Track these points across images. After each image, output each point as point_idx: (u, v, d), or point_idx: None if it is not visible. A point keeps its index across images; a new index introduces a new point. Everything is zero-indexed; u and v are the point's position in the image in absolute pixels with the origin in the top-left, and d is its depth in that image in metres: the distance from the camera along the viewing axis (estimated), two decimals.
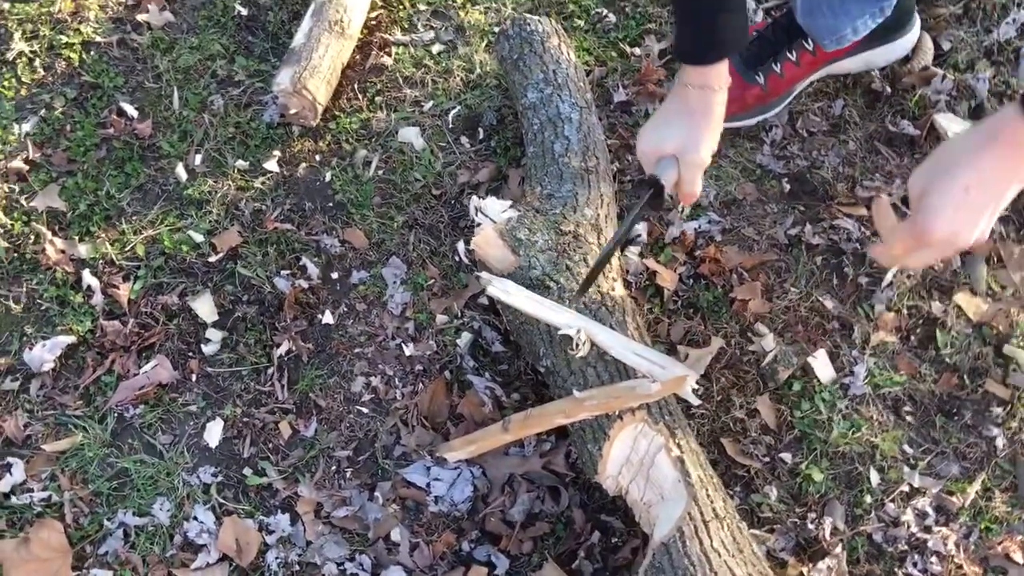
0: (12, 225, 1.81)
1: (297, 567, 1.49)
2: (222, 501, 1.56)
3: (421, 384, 1.63)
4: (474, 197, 1.58)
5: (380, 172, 1.84)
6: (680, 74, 1.24)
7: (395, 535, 1.51)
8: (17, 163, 1.87)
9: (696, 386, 1.40)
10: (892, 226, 1.10)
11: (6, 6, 2.08)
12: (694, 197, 1.31)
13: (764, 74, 1.76)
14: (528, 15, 1.79)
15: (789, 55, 1.75)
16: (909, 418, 1.56)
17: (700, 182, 1.28)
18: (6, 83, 1.98)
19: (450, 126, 1.88)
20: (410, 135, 1.87)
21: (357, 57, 1.98)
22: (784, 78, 1.78)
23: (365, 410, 1.62)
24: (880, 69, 1.84)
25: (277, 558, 1.51)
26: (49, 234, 1.79)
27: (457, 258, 1.73)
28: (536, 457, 1.54)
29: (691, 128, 1.23)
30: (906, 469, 1.51)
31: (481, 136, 1.87)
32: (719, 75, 1.21)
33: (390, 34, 2.01)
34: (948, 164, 1.01)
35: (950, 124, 1.78)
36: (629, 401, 1.32)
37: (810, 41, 1.73)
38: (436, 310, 1.69)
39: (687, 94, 1.22)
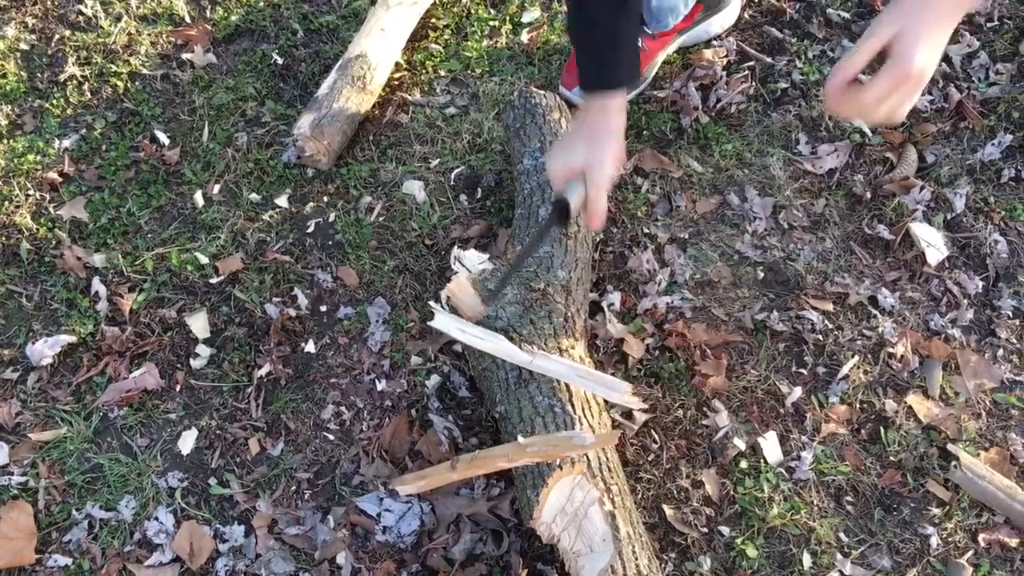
0: (37, 229, 1.95)
1: None
2: (184, 506, 1.64)
3: (387, 419, 1.71)
4: (456, 247, 1.69)
5: (380, 218, 1.96)
6: (584, 103, 1.37)
7: (340, 559, 1.58)
8: (52, 174, 2.03)
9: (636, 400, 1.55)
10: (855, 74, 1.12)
11: (66, 33, 2.27)
12: (601, 217, 1.34)
13: None
14: (535, 89, 1.92)
15: (646, 29, 2.06)
16: (849, 507, 1.60)
17: (605, 200, 1.33)
18: (55, 101, 2.15)
19: (452, 183, 2.00)
20: (414, 188, 1.99)
21: (377, 112, 2.12)
22: (647, 50, 2.07)
23: (331, 437, 1.71)
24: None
25: (226, 566, 1.58)
26: (69, 241, 1.93)
27: (440, 305, 1.83)
28: (484, 500, 1.61)
29: (595, 148, 1.31)
30: (839, 556, 1.55)
31: (479, 195, 1.98)
32: (617, 101, 1.33)
33: (410, 94, 2.15)
34: (916, 8, 1.09)
35: (924, 233, 1.85)
36: (567, 450, 1.39)
37: None
38: (412, 351, 1.78)
39: (591, 119, 1.34)
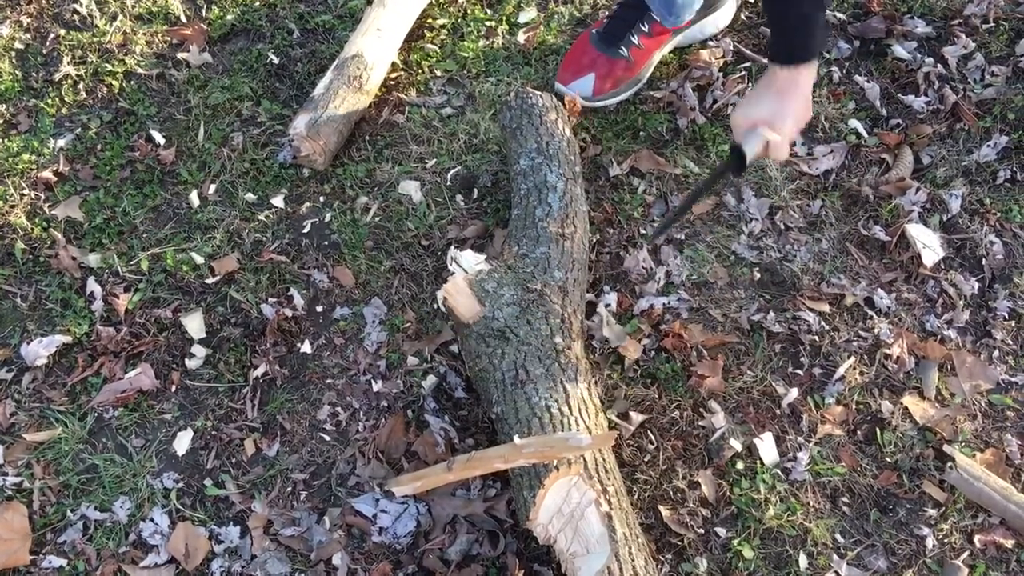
0: (32, 229, 1.95)
1: None
2: (179, 507, 1.64)
3: (383, 419, 1.71)
4: (452, 248, 1.69)
5: (377, 219, 1.96)
6: (772, 69, 1.49)
7: (336, 560, 1.57)
8: (47, 173, 2.02)
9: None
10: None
11: (61, 32, 2.27)
12: (783, 158, 1.53)
13: (626, 48, 2.05)
14: (532, 89, 1.92)
15: (642, 27, 2.06)
16: (845, 508, 1.61)
17: (787, 149, 1.51)
18: (49, 101, 2.15)
19: (448, 184, 2.00)
20: (410, 188, 1.99)
21: (373, 112, 2.12)
22: (643, 49, 2.07)
23: (327, 438, 1.71)
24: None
25: (221, 567, 1.58)
26: (64, 241, 1.92)
27: (435, 306, 1.83)
28: (480, 501, 1.61)
29: (782, 104, 1.47)
30: (835, 557, 1.55)
31: (475, 196, 1.98)
32: (806, 69, 1.47)
33: (406, 94, 2.15)
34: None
35: (920, 234, 1.85)
36: (562, 451, 1.39)
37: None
38: (408, 351, 1.78)
39: (779, 82, 1.48)
